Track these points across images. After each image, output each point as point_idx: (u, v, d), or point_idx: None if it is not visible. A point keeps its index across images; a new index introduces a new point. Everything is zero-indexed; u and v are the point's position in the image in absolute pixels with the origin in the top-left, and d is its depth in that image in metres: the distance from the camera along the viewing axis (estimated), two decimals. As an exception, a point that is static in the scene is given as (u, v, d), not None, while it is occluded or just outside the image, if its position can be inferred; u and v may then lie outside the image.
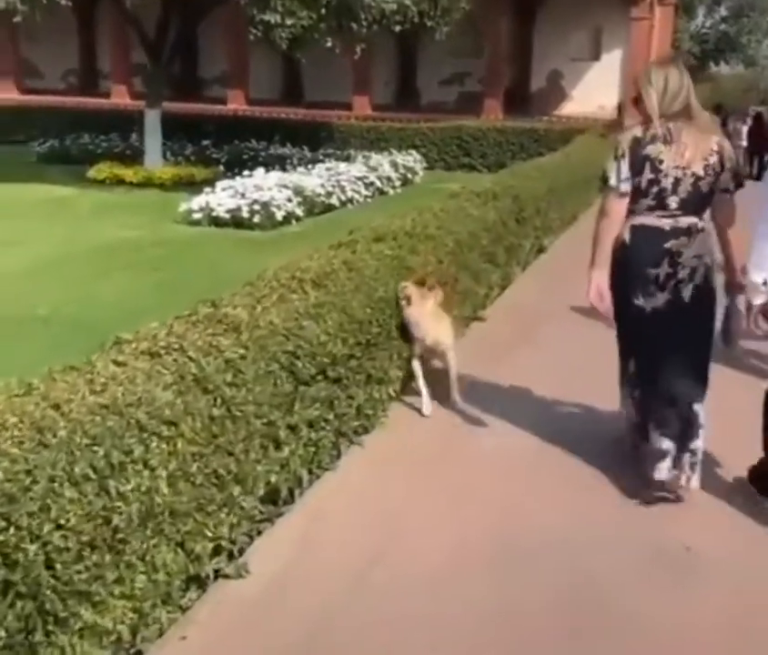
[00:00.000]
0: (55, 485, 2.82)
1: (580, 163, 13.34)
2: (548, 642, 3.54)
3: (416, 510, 4.47)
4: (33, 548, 2.68)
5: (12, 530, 2.63)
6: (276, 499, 4.27)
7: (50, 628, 2.80)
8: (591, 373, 6.09)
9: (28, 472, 2.79)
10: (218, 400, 3.68)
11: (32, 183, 16.46)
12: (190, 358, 3.77)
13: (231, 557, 3.88)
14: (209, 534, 3.66)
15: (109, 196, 15.63)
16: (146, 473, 3.22)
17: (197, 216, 13.09)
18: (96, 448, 3.04)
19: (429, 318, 5.49)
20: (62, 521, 2.80)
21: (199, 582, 3.70)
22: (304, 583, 3.84)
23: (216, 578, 3.78)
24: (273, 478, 4.15)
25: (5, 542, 2.60)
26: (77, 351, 3.86)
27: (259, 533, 4.13)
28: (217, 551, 3.76)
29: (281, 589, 3.82)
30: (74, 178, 16.94)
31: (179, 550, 3.49)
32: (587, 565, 4.02)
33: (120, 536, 3.09)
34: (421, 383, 5.67)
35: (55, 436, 3.00)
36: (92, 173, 17.55)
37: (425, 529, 4.32)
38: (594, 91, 28.01)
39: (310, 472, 4.55)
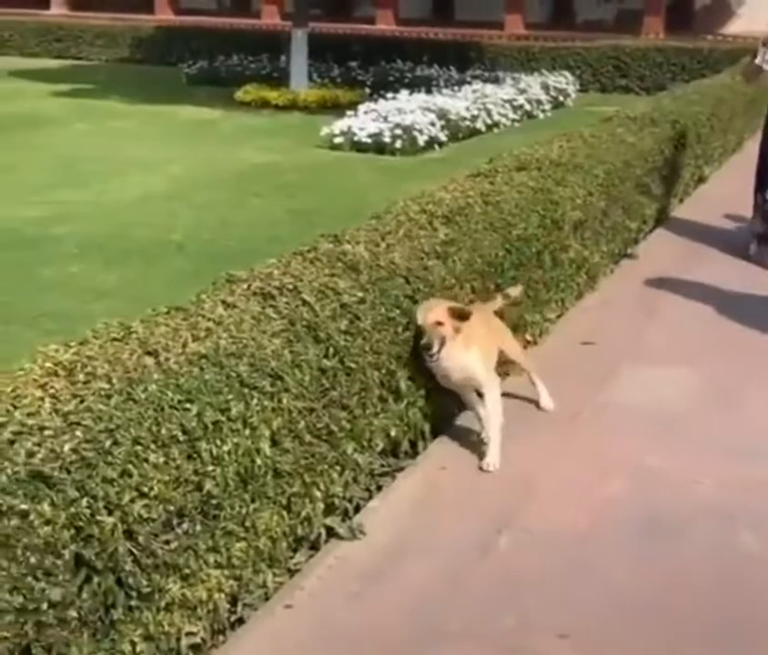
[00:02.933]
0: (139, 448, 2.55)
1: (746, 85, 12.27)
2: (704, 635, 3.07)
3: (549, 471, 4.07)
4: (110, 520, 2.42)
5: (85, 501, 2.38)
6: (396, 453, 3.96)
7: (132, 604, 2.56)
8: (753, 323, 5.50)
9: (110, 432, 2.52)
10: (331, 350, 3.34)
11: (179, 105, 16.59)
12: (303, 302, 3.45)
13: (345, 516, 3.59)
14: (319, 494, 3.37)
15: (253, 119, 15.57)
16: (245, 432, 2.92)
17: (338, 140, 12.83)
18: (188, 405, 2.75)
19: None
20: (144, 489, 2.53)
21: (310, 543, 3.43)
22: (424, 548, 3.51)
23: (328, 539, 3.50)
24: (393, 432, 3.83)
25: (76, 515, 2.35)
26: (204, 281, 3.67)
27: (379, 488, 3.84)
28: (329, 511, 3.47)
29: (399, 554, 3.49)
30: (220, 100, 16.96)
31: (285, 513, 3.20)
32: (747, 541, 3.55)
33: (214, 502, 2.81)
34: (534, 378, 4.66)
35: (145, 390, 2.73)
36: (239, 95, 17.52)
37: (559, 492, 3.92)
38: (763, 9, 25.85)
39: (434, 425, 4.20)
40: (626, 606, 3.20)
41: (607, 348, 5.39)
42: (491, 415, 4.08)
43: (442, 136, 13.29)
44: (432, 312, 3.82)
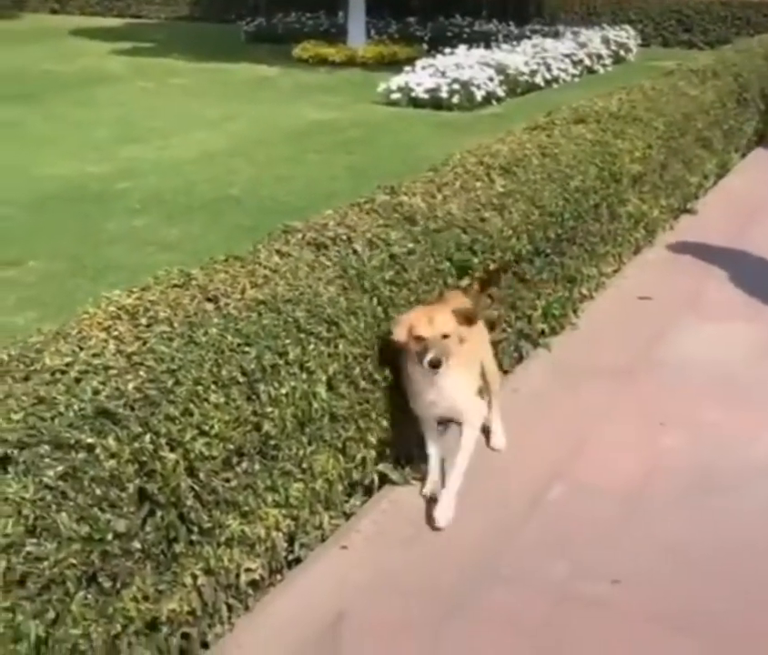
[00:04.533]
0: (200, 388, 2.63)
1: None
2: (753, 590, 3.07)
3: (603, 425, 4.07)
4: (173, 456, 2.51)
5: (149, 438, 2.46)
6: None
7: (194, 538, 2.64)
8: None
9: (172, 373, 2.60)
10: (376, 300, 3.38)
11: (238, 62, 16.66)
12: (354, 252, 3.48)
13: (398, 463, 3.64)
14: (373, 440, 3.42)
15: (311, 76, 15.57)
16: (302, 376, 2.98)
17: (395, 96, 12.78)
18: (247, 348, 2.81)
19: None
20: (205, 427, 2.60)
21: (365, 489, 3.50)
22: (476, 497, 3.52)
23: (381, 485, 3.56)
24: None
25: (140, 450, 2.43)
26: (262, 235, 3.71)
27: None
28: (382, 457, 3.53)
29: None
30: (278, 58, 16.97)
31: (340, 456, 3.27)
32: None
33: (272, 443, 2.89)
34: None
35: (206, 333, 2.80)
36: (296, 52, 17.51)
37: (613, 446, 3.92)
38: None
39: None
40: (680, 557, 3.21)
41: (664, 304, 5.34)
42: (461, 454, 3.42)
43: (500, 92, 13.16)
44: (437, 320, 3.26)
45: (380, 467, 3.52)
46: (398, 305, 3.46)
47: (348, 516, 3.41)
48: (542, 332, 4.64)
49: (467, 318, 3.34)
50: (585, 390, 4.31)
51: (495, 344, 4.09)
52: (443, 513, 3.33)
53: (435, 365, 3.19)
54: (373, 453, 3.44)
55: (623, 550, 3.24)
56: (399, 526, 3.39)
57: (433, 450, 3.57)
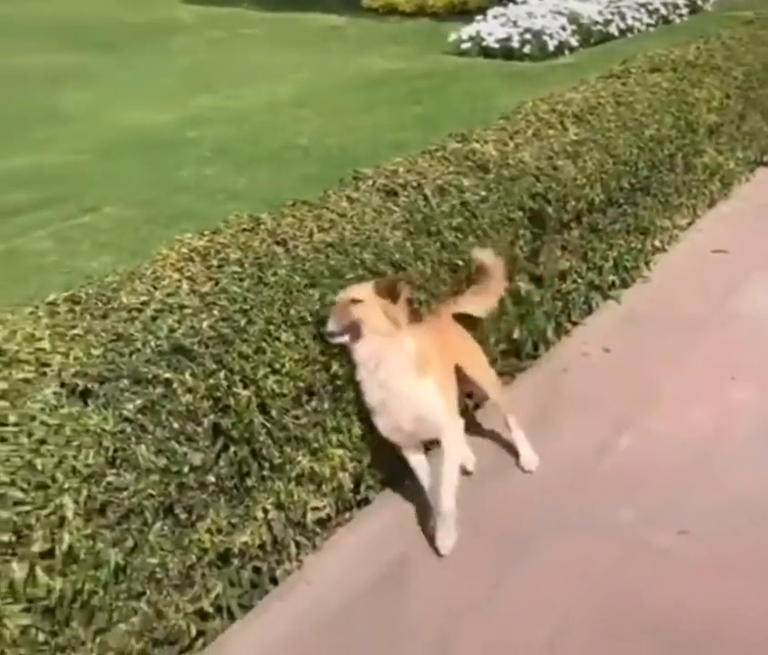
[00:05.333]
0: (271, 327, 2.67)
1: None
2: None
3: (673, 377, 4.01)
4: (246, 393, 2.56)
5: (223, 374, 2.52)
6: (519, 354, 3.97)
7: (265, 473, 2.71)
8: None
9: (244, 312, 2.65)
10: (442, 245, 3.38)
11: (307, 12, 16.60)
12: (424, 198, 3.49)
13: (466, 410, 3.64)
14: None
15: (380, 26, 15.43)
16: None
17: (465, 46, 12.59)
18: (313, 290, 2.85)
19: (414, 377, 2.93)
20: (277, 365, 2.65)
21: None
22: (544, 445, 3.52)
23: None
24: (515, 334, 3.84)
25: (215, 386, 2.49)
26: (329, 184, 3.74)
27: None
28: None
29: (514, 450, 3.54)
30: (348, 7, 16.84)
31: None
32: None
33: (340, 383, 2.92)
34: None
35: (275, 274, 2.84)
36: (366, 1, 17.30)
37: (683, 397, 3.87)
38: None
39: (558, 326, 4.18)
40: (748, 510, 3.17)
41: (738, 258, 5.22)
42: (446, 470, 2.98)
43: (573, 41, 12.88)
44: (351, 290, 2.89)
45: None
46: (462, 251, 3.45)
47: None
48: (613, 284, 4.58)
49: (388, 292, 2.86)
50: (656, 342, 4.25)
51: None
52: (443, 542, 2.98)
53: (333, 333, 2.80)
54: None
55: (692, 501, 3.21)
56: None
57: (415, 461, 3.12)
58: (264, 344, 2.63)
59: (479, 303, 3.42)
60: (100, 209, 6.47)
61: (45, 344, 2.44)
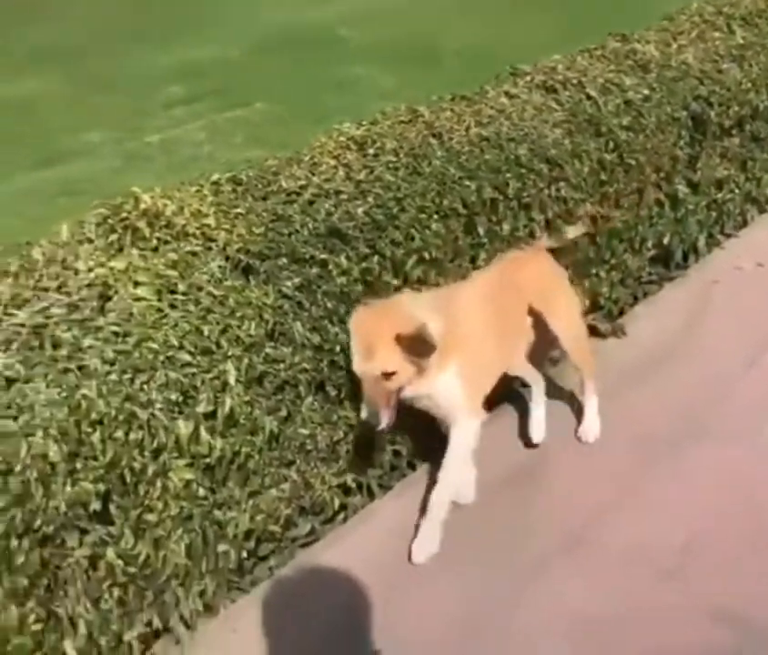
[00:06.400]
0: (423, 216, 2.71)
1: None
2: None
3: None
4: (395, 282, 2.63)
5: (375, 259, 2.58)
6: (668, 262, 3.89)
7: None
8: None
9: (398, 201, 2.70)
10: (611, 144, 3.32)
11: None
12: (587, 96, 3.43)
13: (610, 316, 3.61)
14: (583, 290, 3.40)
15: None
16: (520, 214, 3.00)
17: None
18: (468, 182, 2.86)
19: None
20: (425, 255, 2.70)
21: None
22: (688, 356, 3.47)
23: (589, 337, 3.53)
24: (665, 240, 3.76)
25: (368, 270, 2.56)
26: (477, 85, 3.67)
27: (645, 296, 3.81)
28: (592, 308, 3.51)
29: (662, 358, 3.47)
30: None
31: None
32: None
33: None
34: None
35: (429, 165, 2.88)
36: None
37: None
38: None
39: (710, 237, 4.05)
40: None
41: None
42: (447, 464, 2.60)
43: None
44: (377, 356, 2.37)
45: (590, 318, 3.50)
46: (635, 150, 3.38)
47: (553, 362, 3.36)
48: (771, 196, 4.39)
49: (417, 348, 2.38)
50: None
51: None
52: (420, 547, 2.57)
53: (371, 425, 2.43)
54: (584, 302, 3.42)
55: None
56: (606, 379, 3.32)
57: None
58: (414, 231, 2.68)
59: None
60: (251, 104, 6.62)
61: (211, 220, 2.57)
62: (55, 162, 6.10)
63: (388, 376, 2.36)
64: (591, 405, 3.03)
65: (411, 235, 2.68)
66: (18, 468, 1.91)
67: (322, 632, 2.40)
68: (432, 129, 3.12)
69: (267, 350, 2.38)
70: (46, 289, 2.34)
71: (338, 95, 6.72)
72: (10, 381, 2.06)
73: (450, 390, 2.51)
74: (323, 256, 2.51)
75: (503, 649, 2.33)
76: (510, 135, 3.10)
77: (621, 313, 3.66)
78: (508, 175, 2.96)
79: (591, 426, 3.02)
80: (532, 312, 2.81)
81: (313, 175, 2.85)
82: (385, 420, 2.38)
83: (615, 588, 2.49)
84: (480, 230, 2.87)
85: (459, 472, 2.62)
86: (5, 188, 5.77)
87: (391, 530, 2.70)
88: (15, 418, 1.97)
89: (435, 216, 2.75)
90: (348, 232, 2.58)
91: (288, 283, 2.45)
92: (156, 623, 2.27)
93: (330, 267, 2.51)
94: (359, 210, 2.66)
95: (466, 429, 2.57)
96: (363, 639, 2.37)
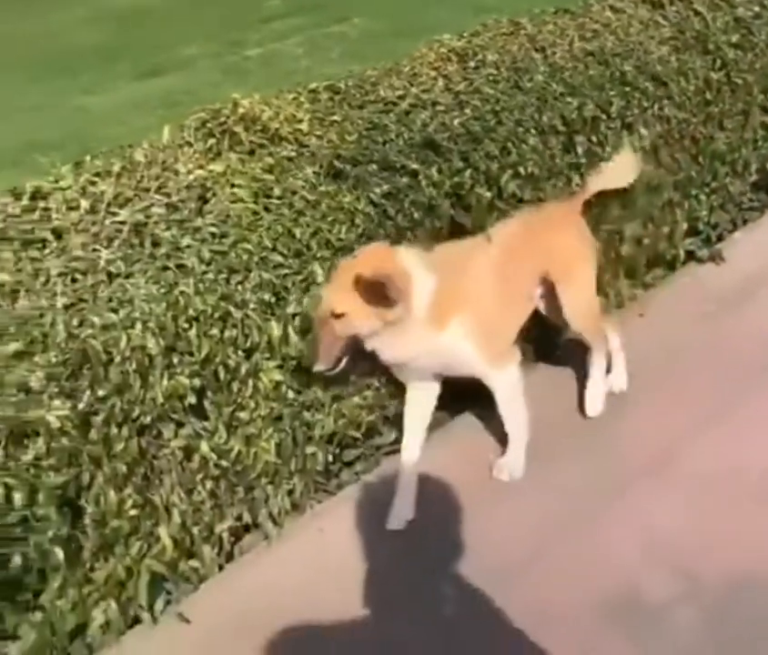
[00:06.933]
0: (520, 130, 2.68)
1: None
2: None
3: None
4: (488, 194, 2.59)
5: (468, 173, 2.56)
6: (769, 189, 3.76)
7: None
8: None
9: (495, 113, 2.67)
10: (718, 62, 3.20)
11: None
12: (695, 12, 3.32)
13: (708, 242, 3.52)
14: (683, 214, 3.32)
15: None
16: (622, 134, 2.93)
17: None
18: (569, 99, 2.81)
19: None
20: (520, 170, 2.66)
21: (666, 263, 3.42)
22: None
23: (686, 262, 3.46)
24: (768, 164, 3.63)
25: (460, 184, 2.54)
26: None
27: (745, 222, 3.68)
28: (690, 233, 3.42)
29: (759, 284, 3.36)
30: None
31: (650, 225, 3.21)
32: None
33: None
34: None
35: (531, 80, 2.83)
36: None
37: None
38: None
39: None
40: None
41: None
42: (509, 417, 2.51)
43: None
44: (331, 295, 2.21)
45: (687, 243, 3.42)
46: (742, 70, 3.28)
47: (647, 286, 3.35)
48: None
49: (376, 294, 2.15)
50: None
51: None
52: (506, 466, 2.54)
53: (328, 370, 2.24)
54: (683, 226, 3.34)
55: None
56: (700, 302, 3.28)
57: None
58: (510, 145, 2.65)
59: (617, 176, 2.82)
60: (349, 19, 6.59)
61: (304, 126, 2.59)
62: (157, 74, 6.22)
63: (337, 317, 2.18)
64: (596, 380, 2.75)
65: (508, 149, 2.64)
66: (118, 358, 1.99)
67: (404, 539, 2.44)
68: (535, 43, 3.07)
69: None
70: (147, 190, 2.40)
71: (437, 12, 6.62)
72: (111, 276, 2.13)
73: (458, 346, 2.31)
74: (414, 166, 2.51)
75: (584, 562, 2.33)
76: (615, 50, 3.03)
77: (720, 238, 3.56)
78: (612, 92, 2.89)
79: (594, 400, 2.75)
80: (546, 281, 2.59)
81: (412, 85, 2.85)
82: (321, 365, 2.21)
83: (704, 511, 2.45)
84: (579, 149, 2.80)
85: (522, 409, 2.50)
86: (109, 99, 5.91)
87: (473, 445, 2.69)
88: (116, 311, 2.04)
89: (533, 131, 2.71)
90: (443, 143, 2.57)
91: (377, 190, 2.45)
92: (246, 518, 2.34)
93: (420, 177, 2.50)
94: (456, 121, 2.64)
95: (499, 382, 2.43)
96: (444, 550, 2.40)
